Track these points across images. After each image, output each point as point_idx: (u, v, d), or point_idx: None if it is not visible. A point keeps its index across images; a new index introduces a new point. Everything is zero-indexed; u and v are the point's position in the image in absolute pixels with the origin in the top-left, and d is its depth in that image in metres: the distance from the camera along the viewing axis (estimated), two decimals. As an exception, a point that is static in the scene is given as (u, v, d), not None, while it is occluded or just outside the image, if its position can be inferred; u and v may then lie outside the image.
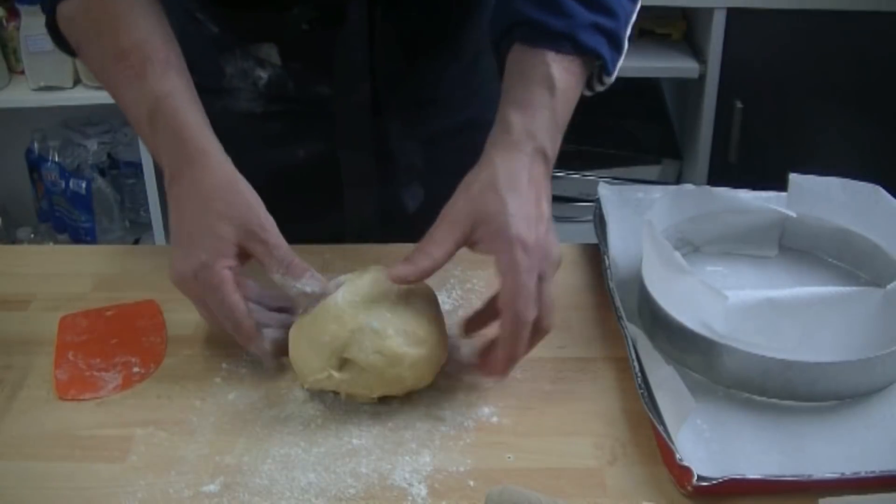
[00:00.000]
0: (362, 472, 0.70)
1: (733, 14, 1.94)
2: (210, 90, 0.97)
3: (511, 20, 0.83)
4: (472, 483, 0.69)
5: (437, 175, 0.91)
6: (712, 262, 0.94)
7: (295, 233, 0.86)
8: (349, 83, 0.97)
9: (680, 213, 0.93)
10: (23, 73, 2.14)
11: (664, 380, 0.74)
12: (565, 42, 0.81)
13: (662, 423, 0.72)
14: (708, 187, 0.94)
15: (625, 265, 0.90)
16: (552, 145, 0.81)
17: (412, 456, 0.71)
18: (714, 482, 0.67)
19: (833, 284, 0.89)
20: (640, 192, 1.01)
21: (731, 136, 2.02)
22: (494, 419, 0.75)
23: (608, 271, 0.88)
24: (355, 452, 0.72)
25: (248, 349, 0.78)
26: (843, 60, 1.97)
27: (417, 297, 0.81)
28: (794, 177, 0.94)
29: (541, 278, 0.75)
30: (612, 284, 0.86)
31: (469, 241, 0.77)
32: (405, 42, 0.97)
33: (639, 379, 0.76)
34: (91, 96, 2.13)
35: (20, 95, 2.14)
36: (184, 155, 0.79)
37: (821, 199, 0.93)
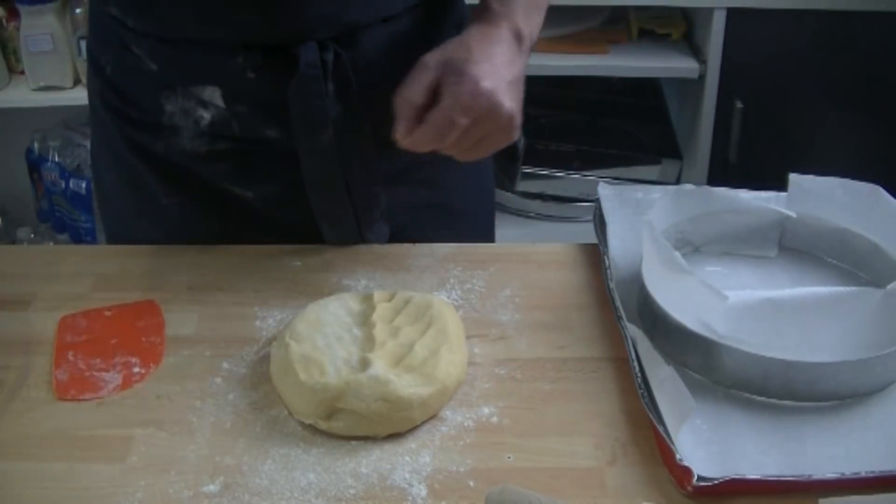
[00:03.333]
0: (362, 472, 0.70)
1: (733, 14, 1.94)
2: (151, 127, 0.94)
3: None
4: (472, 483, 0.69)
5: (401, 210, 0.92)
6: (712, 263, 0.94)
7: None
8: (306, 131, 0.91)
9: (680, 213, 0.93)
10: (23, 73, 2.13)
11: (664, 380, 0.74)
12: None
13: (662, 423, 0.72)
14: (708, 187, 0.94)
15: (625, 265, 0.90)
16: (528, 27, 0.87)
17: (412, 456, 0.71)
18: (714, 482, 0.67)
19: (833, 285, 0.89)
20: (639, 192, 1.01)
21: (731, 136, 2.02)
22: (494, 419, 0.75)
23: (608, 271, 0.88)
24: (355, 452, 0.72)
25: None
26: (843, 60, 1.97)
27: (425, 318, 0.79)
28: (794, 177, 0.94)
29: (476, 122, 0.81)
30: (612, 284, 0.86)
31: (437, 84, 0.82)
32: (362, 89, 0.91)
33: (639, 379, 0.76)
34: (91, 96, 2.13)
35: (20, 95, 2.14)
36: None
37: (821, 199, 0.93)
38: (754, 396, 0.77)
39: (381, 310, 0.81)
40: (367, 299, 0.83)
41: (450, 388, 0.75)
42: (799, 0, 1.92)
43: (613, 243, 0.92)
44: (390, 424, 0.73)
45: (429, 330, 0.78)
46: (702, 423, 0.74)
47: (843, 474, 0.68)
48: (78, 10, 2.08)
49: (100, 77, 0.97)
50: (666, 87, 2.37)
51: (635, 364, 0.77)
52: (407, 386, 0.73)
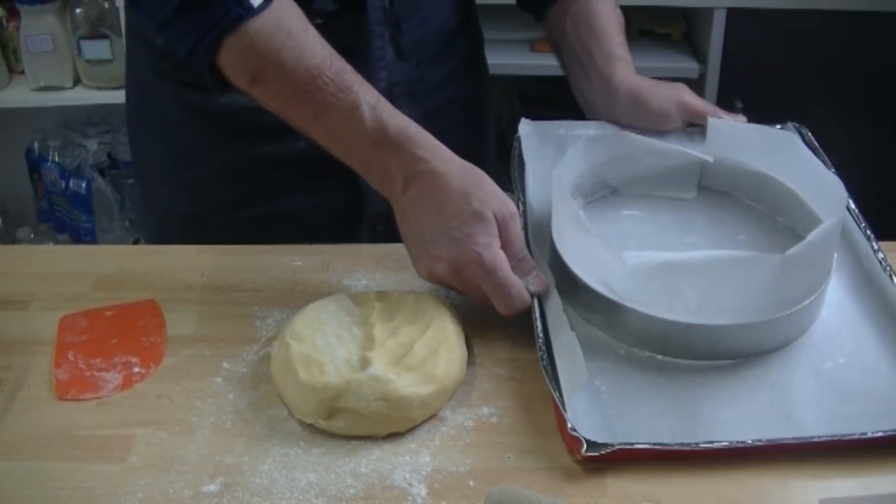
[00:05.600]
0: (362, 472, 0.70)
1: (733, 14, 1.94)
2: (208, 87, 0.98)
3: None
4: (472, 483, 0.69)
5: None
6: (630, 206, 0.94)
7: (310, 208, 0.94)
8: (366, 74, 0.97)
9: (596, 158, 0.92)
10: (23, 73, 2.14)
11: (564, 346, 0.75)
12: None
13: (558, 388, 0.73)
14: (622, 132, 0.94)
15: (542, 211, 0.90)
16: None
17: (412, 456, 0.71)
18: (604, 451, 0.68)
19: (750, 230, 0.91)
20: (561, 128, 1.00)
21: (730, 136, 2.02)
22: (494, 419, 0.75)
23: (522, 218, 0.87)
24: (355, 452, 0.72)
25: (513, 310, 0.81)
26: (843, 60, 1.97)
27: (425, 317, 0.80)
28: (712, 121, 0.96)
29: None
30: (528, 234, 0.86)
31: None
32: (408, 32, 0.99)
33: (540, 340, 0.77)
34: (91, 96, 2.13)
35: (20, 95, 2.14)
36: (416, 153, 0.83)
37: (739, 143, 0.94)
38: (656, 355, 0.78)
39: (381, 309, 0.81)
40: (367, 299, 0.83)
41: (449, 387, 0.75)
42: (799, 0, 1.92)
43: (532, 186, 0.92)
44: (390, 424, 0.73)
45: (428, 329, 0.78)
46: (601, 385, 0.75)
47: (730, 442, 0.70)
48: (78, 10, 2.08)
49: (151, 50, 1.02)
50: (666, 87, 2.37)
51: (538, 324, 0.78)
52: (407, 385, 0.73)
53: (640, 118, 0.99)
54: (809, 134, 0.98)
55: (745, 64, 1.99)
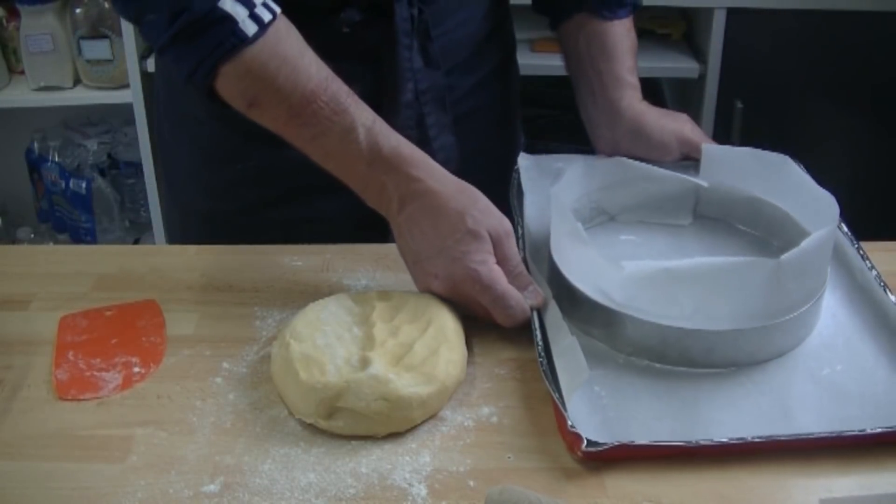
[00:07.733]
0: (362, 472, 0.70)
1: (733, 14, 1.94)
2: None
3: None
4: (472, 483, 0.69)
5: (464, 156, 0.94)
6: (626, 231, 0.95)
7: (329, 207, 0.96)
8: (393, 82, 0.97)
9: (592, 183, 0.94)
10: (23, 73, 2.14)
11: (565, 348, 0.76)
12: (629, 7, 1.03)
13: (558, 390, 0.73)
14: (620, 158, 0.96)
15: (540, 234, 0.91)
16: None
17: (412, 456, 0.71)
18: (603, 448, 0.69)
19: (745, 252, 0.92)
20: (559, 161, 1.01)
21: (731, 136, 2.02)
22: (494, 419, 0.75)
23: (520, 241, 0.88)
24: (355, 452, 0.72)
25: (514, 322, 0.82)
26: (843, 60, 1.97)
27: (425, 317, 0.80)
28: (706, 147, 0.97)
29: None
30: (526, 255, 0.87)
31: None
32: (437, 41, 0.99)
33: (539, 347, 0.77)
34: (91, 96, 2.13)
35: (20, 95, 2.14)
36: (410, 173, 0.83)
37: (733, 168, 0.95)
38: (654, 363, 0.79)
39: (381, 309, 0.81)
40: (367, 299, 0.83)
41: (449, 387, 0.75)
42: (799, 0, 1.92)
43: (531, 213, 0.93)
44: (390, 424, 0.73)
45: (428, 329, 0.78)
46: (600, 390, 0.76)
47: (729, 439, 0.70)
48: (78, 10, 2.08)
49: None
50: (666, 87, 2.37)
51: (537, 332, 0.79)
52: (407, 385, 0.73)
53: (640, 148, 0.99)
54: (802, 166, 0.98)
55: (745, 64, 1.99)
